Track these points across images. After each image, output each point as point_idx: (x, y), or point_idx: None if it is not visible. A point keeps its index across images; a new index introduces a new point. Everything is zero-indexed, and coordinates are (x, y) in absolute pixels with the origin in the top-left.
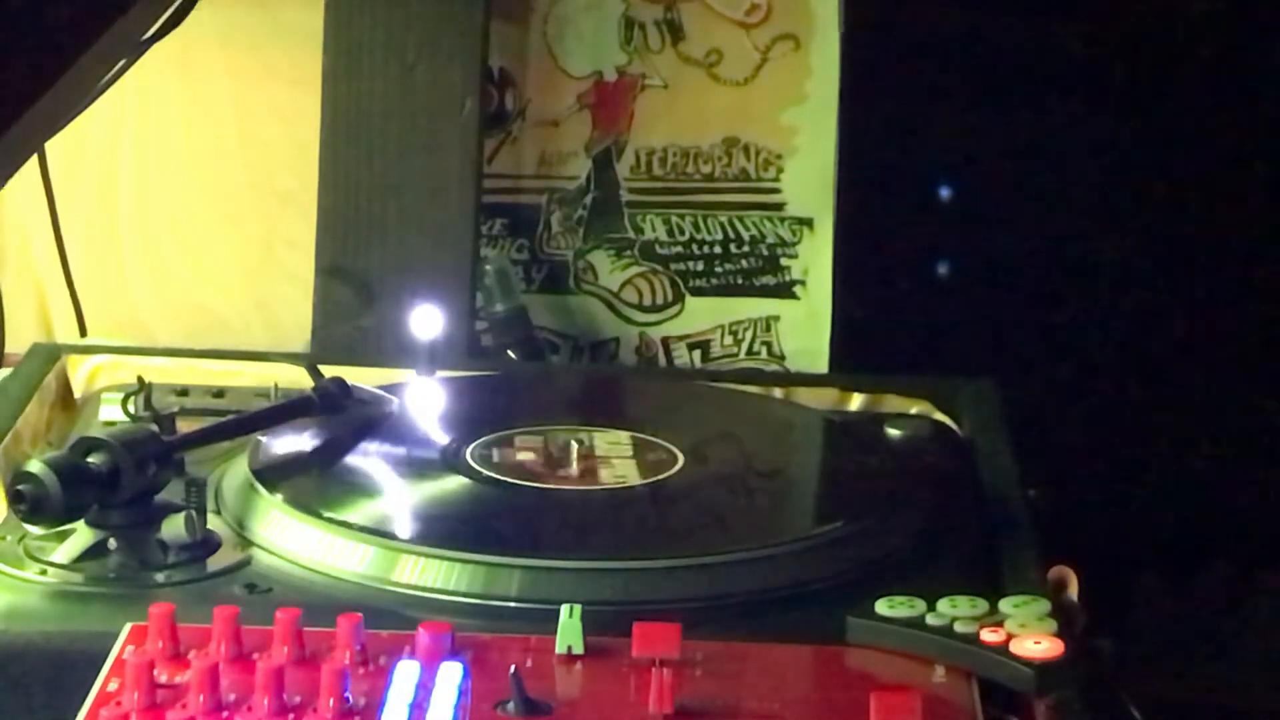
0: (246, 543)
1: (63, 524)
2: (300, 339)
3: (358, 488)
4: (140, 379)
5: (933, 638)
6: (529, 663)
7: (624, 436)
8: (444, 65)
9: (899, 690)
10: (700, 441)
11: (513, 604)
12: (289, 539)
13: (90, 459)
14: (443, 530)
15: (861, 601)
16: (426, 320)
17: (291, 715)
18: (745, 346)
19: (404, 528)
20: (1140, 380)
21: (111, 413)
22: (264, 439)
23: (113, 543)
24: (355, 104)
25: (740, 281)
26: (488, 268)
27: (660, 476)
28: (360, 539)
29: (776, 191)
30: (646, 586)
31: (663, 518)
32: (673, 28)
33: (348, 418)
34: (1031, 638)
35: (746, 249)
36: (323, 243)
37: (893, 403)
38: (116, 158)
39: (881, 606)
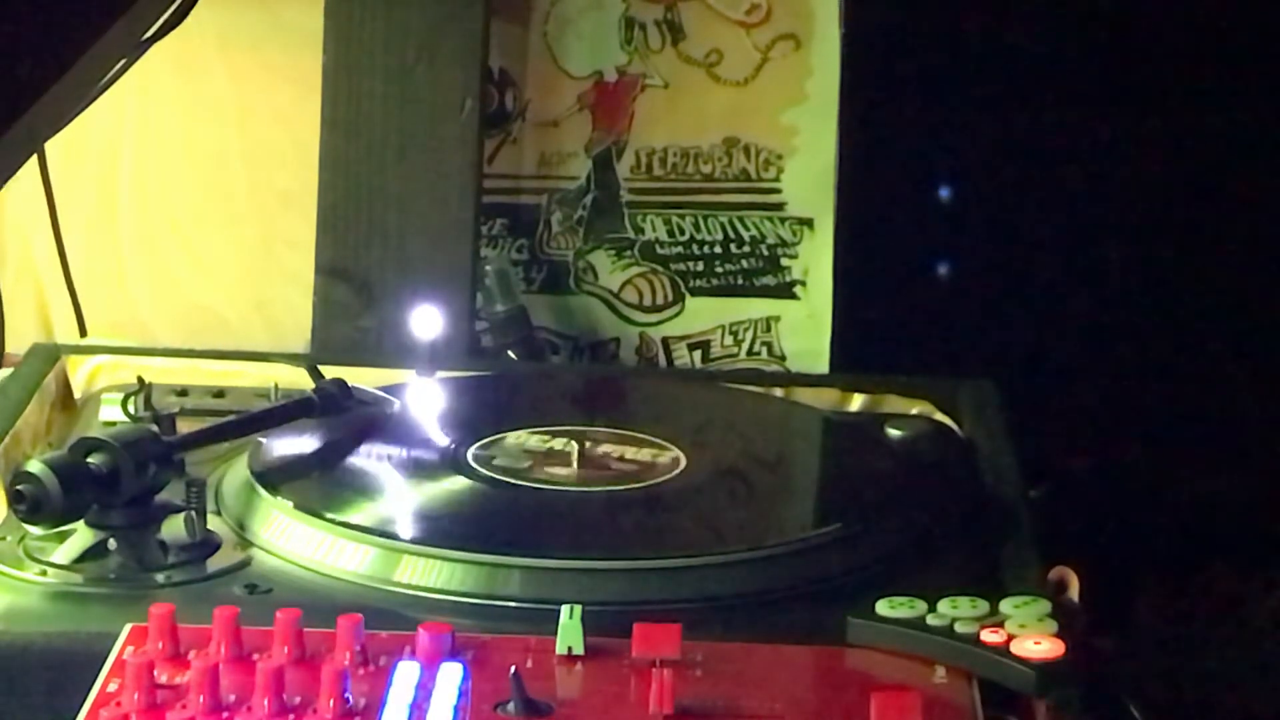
0: (246, 543)
1: (62, 524)
2: (300, 339)
3: (358, 488)
4: (140, 379)
5: (933, 638)
6: (529, 663)
7: (624, 436)
8: (444, 65)
9: (899, 690)
10: (701, 442)
11: (513, 604)
12: (289, 540)
13: (90, 459)
14: (443, 530)
15: (861, 601)
16: (426, 320)
17: (291, 716)
18: (745, 347)
19: (405, 528)
20: (1140, 381)
21: (111, 413)
22: (264, 440)
23: (112, 543)
24: (355, 104)
25: (740, 281)
26: (488, 268)
27: (660, 477)
28: (361, 539)
29: (776, 191)
30: (646, 586)
31: (663, 518)
32: (673, 28)
33: (348, 418)
34: (1032, 638)
35: (747, 249)
36: (323, 243)
37: (893, 403)
38: (116, 158)
39: (882, 607)
